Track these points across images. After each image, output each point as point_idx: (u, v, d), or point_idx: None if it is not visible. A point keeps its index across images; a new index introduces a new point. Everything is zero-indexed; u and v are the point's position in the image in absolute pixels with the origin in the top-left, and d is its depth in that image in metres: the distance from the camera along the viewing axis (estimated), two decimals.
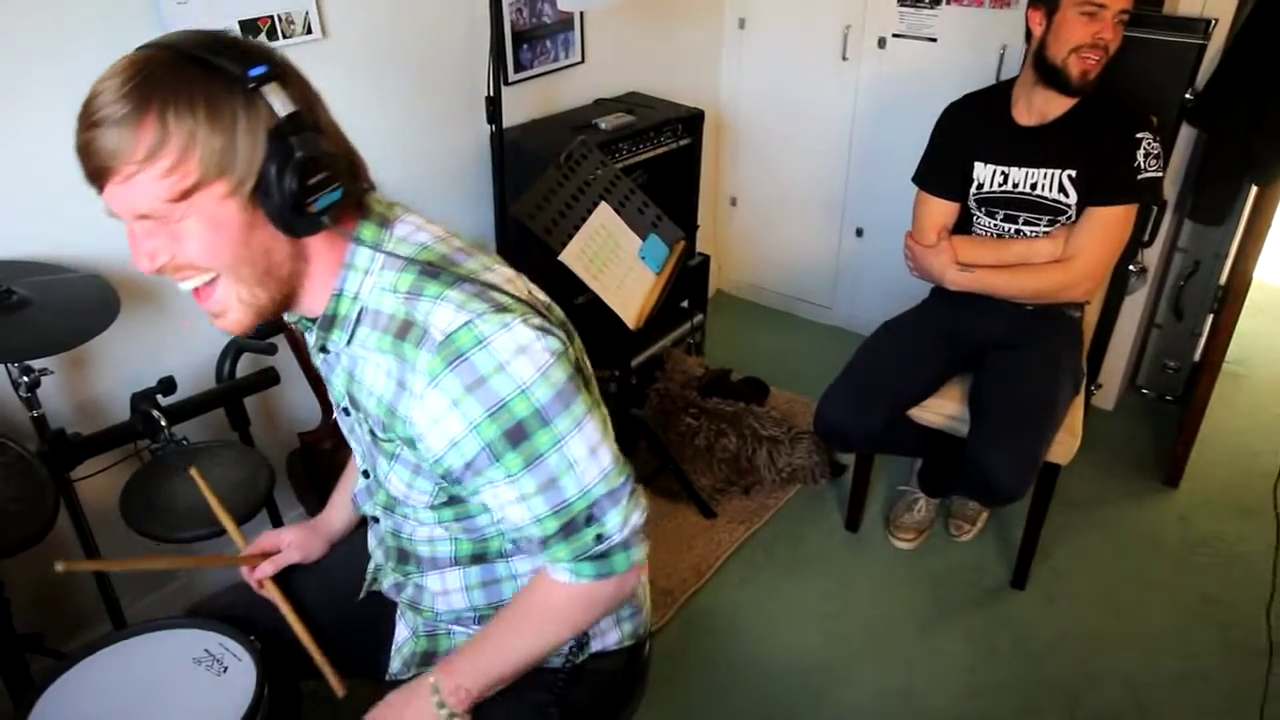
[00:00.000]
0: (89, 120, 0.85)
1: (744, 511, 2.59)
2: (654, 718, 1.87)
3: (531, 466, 0.96)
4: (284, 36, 1.95)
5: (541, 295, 1.07)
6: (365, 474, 1.20)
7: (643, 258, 2.13)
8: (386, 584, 1.28)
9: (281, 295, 0.98)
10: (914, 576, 2.40)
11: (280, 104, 0.87)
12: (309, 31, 1.99)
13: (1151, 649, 2.17)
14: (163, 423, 1.71)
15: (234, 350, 2.01)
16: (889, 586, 2.37)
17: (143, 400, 1.72)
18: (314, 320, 1.03)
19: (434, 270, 0.98)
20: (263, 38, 1.91)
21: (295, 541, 1.36)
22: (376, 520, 1.23)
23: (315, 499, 2.19)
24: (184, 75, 0.85)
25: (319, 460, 2.08)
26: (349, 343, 1.02)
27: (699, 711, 2.03)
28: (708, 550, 2.45)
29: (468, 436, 0.94)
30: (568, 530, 1.01)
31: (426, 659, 1.24)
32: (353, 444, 1.20)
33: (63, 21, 1.65)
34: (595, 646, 1.23)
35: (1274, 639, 2.06)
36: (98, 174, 0.87)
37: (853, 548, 2.50)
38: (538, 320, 0.97)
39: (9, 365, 1.61)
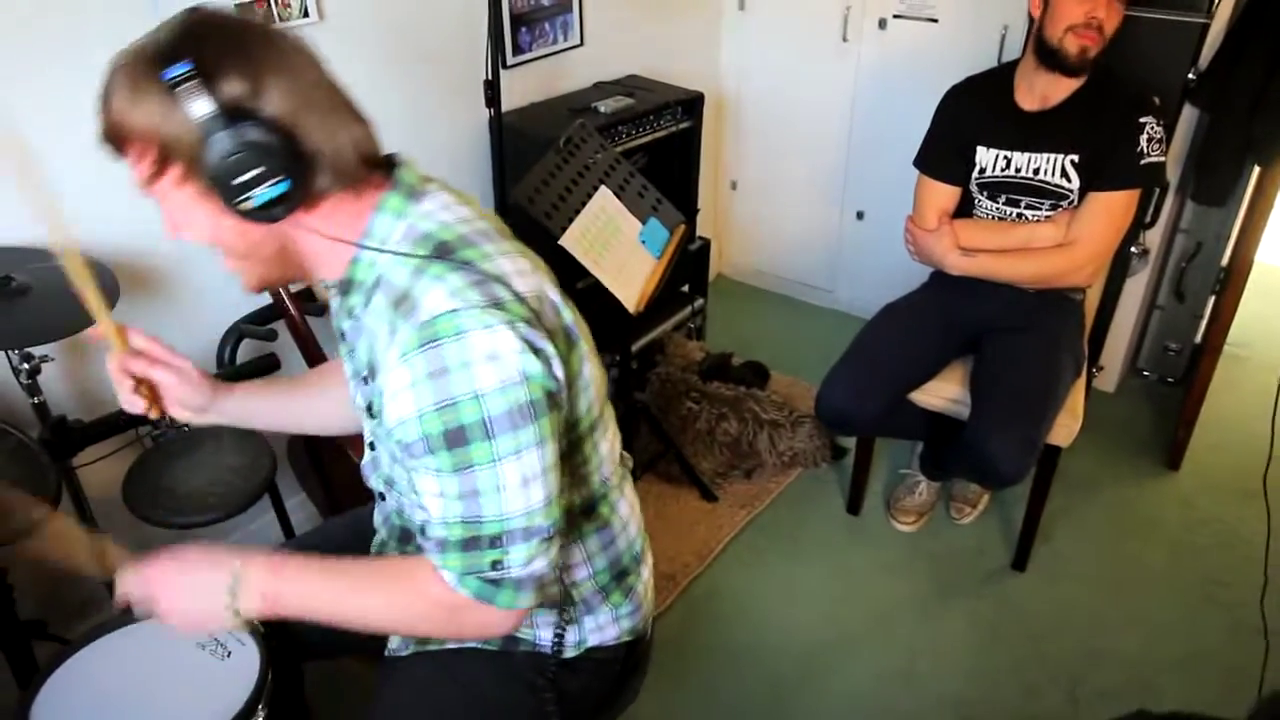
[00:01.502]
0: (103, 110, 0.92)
1: (745, 495, 2.60)
2: (656, 700, 1.88)
3: (459, 472, 0.94)
4: (280, 20, 1.94)
5: (554, 294, 1.03)
6: (371, 446, 1.18)
7: (643, 242, 2.12)
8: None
9: (289, 267, 1.00)
10: (915, 559, 2.40)
11: (201, 103, 0.86)
12: (305, 14, 1.98)
13: (1152, 630, 2.18)
14: None
15: (235, 336, 2.01)
16: (890, 569, 2.38)
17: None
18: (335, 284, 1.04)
19: (445, 249, 0.97)
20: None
21: (190, 378, 1.20)
22: (382, 497, 1.22)
23: (318, 485, 2.19)
24: (133, 67, 0.88)
25: (319, 445, 2.08)
26: (365, 306, 1.02)
27: (701, 694, 2.04)
28: (709, 534, 2.46)
29: (412, 420, 0.93)
30: (469, 545, 0.97)
31: (422, 646, 1.23)
32: (360, 415, 1.16)
33: (68, 12, 1.64)
34: (592, 641, 1.22)
35: (1269, 625, 2.06)
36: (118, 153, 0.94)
37: (854, 531, 2.50)
38: (528, 331, 0.93)
39: (9, 352, 1.61)
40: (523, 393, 0.92)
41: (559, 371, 0.97)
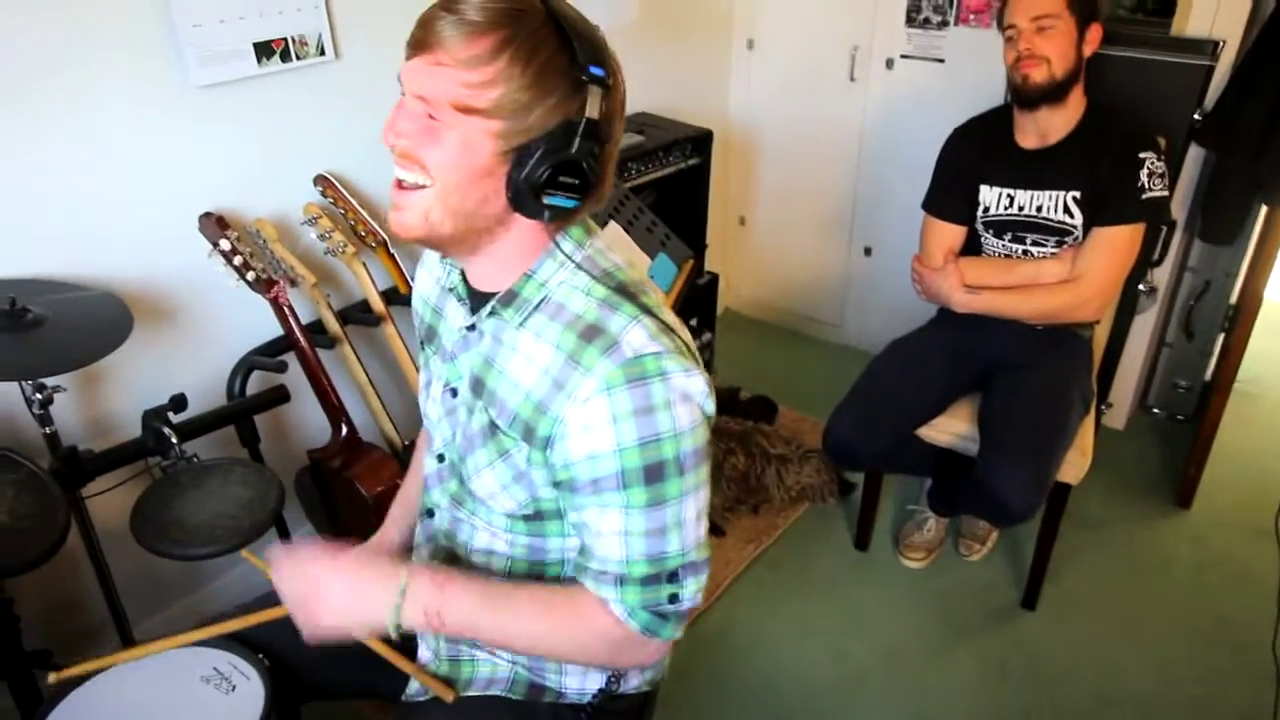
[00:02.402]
0: (448, 4, 0.91)
1: (753, 530, 2.58)
2: None
3: (651, 508, 0.98)
4: (297, 58, 1.98)
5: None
6: (440, 458, 1.17)
7: (651, 277, 2.13)
8: None
9: (460, 238, 1.00)
10: (924, 596, 2.38)
11: (592, 107, 0.93)
12: (322, 53, 2.02)
13: (1164, 671, 2.15)
14: (174, 440, 1.72)
15: (245, 368, 2.02)
16: (898, 606, 2.35)
17: (154, 417, 1.73)
18: (480, 294, 1.06)
19: (630, 293, 1.02)
20: (276, 60, 1.94)
21: None
22: (430, 515, 1.21)
23: (324, 516, 2.20)
24: (543, 31, 0.91)
25: (328, 478, 2.09)
26: (521, 324, 1.03)
27: None
28: (716, 569, 2.44)
29: (610, 455, 0.96)
30: (650, 580, 1.01)
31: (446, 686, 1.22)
32: (444, 427, 1.15)
33: (80, 44, 1.68)
34: (622, 688, 1.22)
35: None
36: (419, 44, 0.92)
37: (862, 567, 2.49)
38: (706, 377, 1.00)
39: (22, 383, 1.62)
40: (704, 433, 1.00)
41: (711, 410, 1.03)
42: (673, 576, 1.01)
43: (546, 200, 0.95)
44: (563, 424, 0.97)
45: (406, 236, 0.99)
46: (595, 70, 0.92)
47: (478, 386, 1.07)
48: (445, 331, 1.15)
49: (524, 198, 0.95)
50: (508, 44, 0.89)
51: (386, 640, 1.11)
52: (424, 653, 1.26)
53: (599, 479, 0.97)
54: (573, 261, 1.02)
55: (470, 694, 1.20)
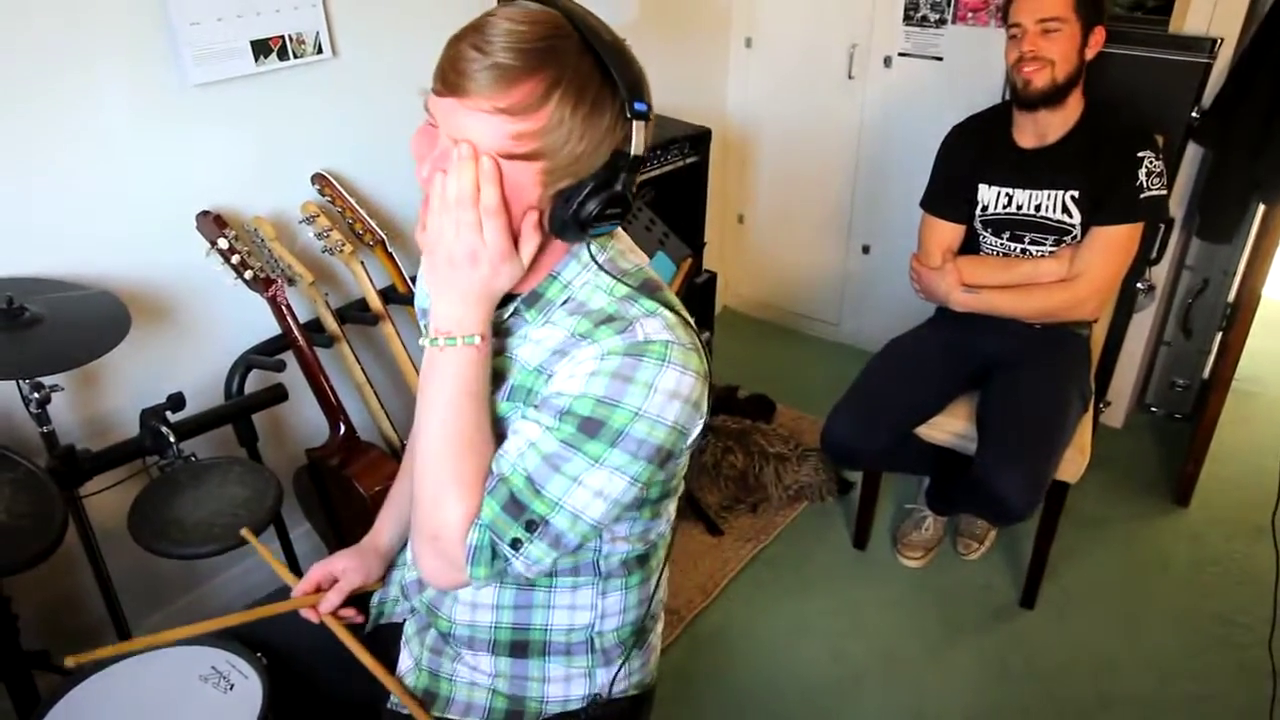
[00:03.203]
0: (478, 43, 0.87)
1: (751, 529, 2.58)
2: None
3: (564, 446, 0.96)
4: (295, 56, 1.97)
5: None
6: None
7: None
8: (409, 577, 1.26)
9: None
10: (922, 595, 2.39)
11: (637, 143, 0.92)
12: (319, 51, 2.01)
13: (1163, 669, 2.15)
14: (171, 439, 1.71)
15: (243, 367, 2.02)
16: (897, 605, 2.36)
17: (152, 416, 1.73)
18: (514, 294, 1.05)
19: (652, 288, 1.02)
20: (274, 58, 1.93)
21: (351, 566, 1.28)
22: None
23: (322, 515, 2.19)
24: (586, 66, 0.89)
25: (326, 477, 2.09)
26: (542, 323, 1.03)
27: None
28: (714, 568, 2.44)
29: (569, 395, 0.95)
30: (514, 506, 0.98)
31: (426, 699, 1.21)
32: None
33: (77, 42, 1.67)
34: (604, 694, 1.21)
35: (1278, 669, 2.04)
36: (451, 85, 0.89)
37: (860, 566, 2.49)
38: (704, 388, 0.99)
39: (20, 381, 1.62)
40: (663, 436, 0.96)
41: (694, 434, 1.01)
42: (531, 525, 0.98)
43: (592, 231, 0.95)
44: (554, 376, 0.99)
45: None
46: (640, 107, 0.91)
47: (494, 377, 1.07)
48: None
49: (569, 230, 0.95)
50: (554, 87, 0.87)
51: (370, 646, 1.11)
52: (405, 661, 1.25)
53: (548, 399, 0.98)
54: (596, 263, 1.02)
55: (457, 703, 1.19)
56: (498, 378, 1.06)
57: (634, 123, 0.91)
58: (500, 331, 1.07)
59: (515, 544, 0.99)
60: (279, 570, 1.33)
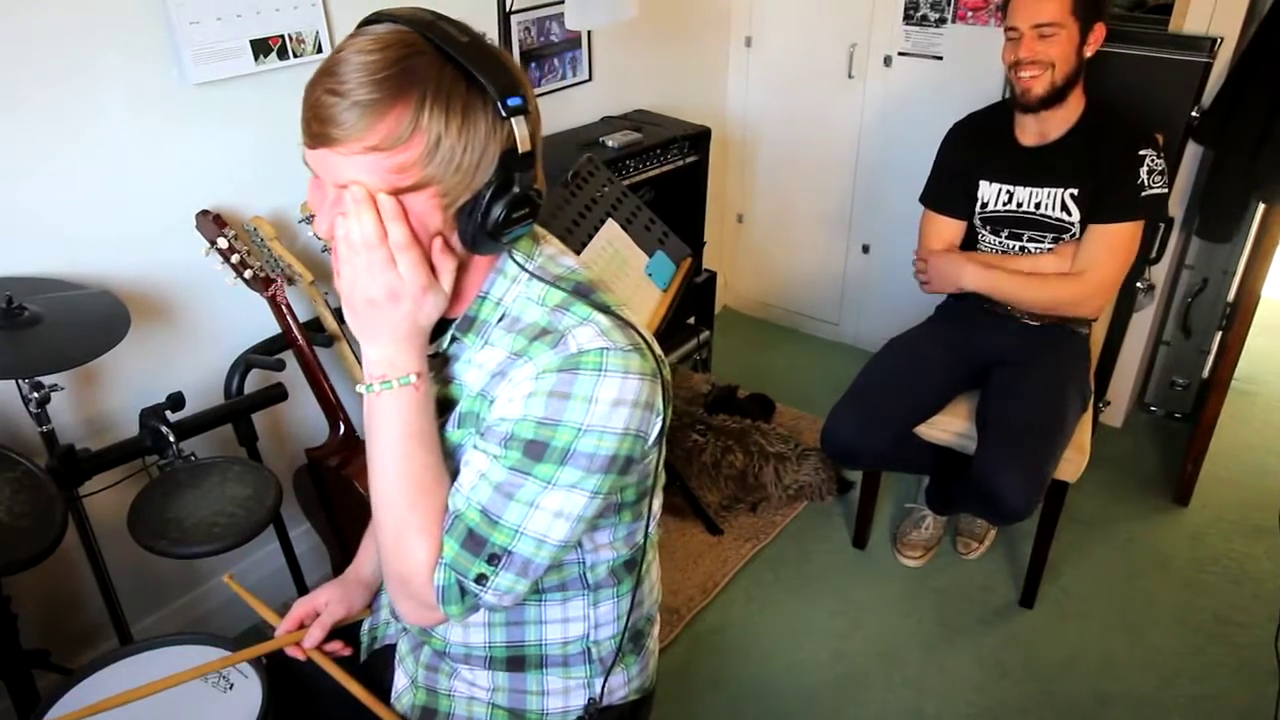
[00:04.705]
0: (332, 86, 0.84)
1: (751, 529, 2.58)
2: None
3: (513, 473, 0.94)
4: (294, 55, 1.97)
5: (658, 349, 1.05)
6: None
7: (649, 274, 2.13)
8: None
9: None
10: (922, 594, 2.39)
11: (522, 138, 0.88)
12: (319, 50, 2.01)
13: (1162, 670, 2.15)
14: (171, 438, 1.71)
15: (242, 366, 2.02)
16: (897, 605, 2.36)
17: (151, 416, 1.73)
18: (449, 320, 1.02)
19: (584, 292, 0.99)
20: (274, 57, 1.93)
21: (333, 598, 1.27)
22: None
23: (322, 515, 2.19)
24: (447, 78, 0.85)
25: (326, 476, 2.08)
26: (481, 346, 1.01)
27: None
28: (714, 568, 2.44)
29: (511, 420, 0.94)
30: (472, 542, 0.96)
31: (426, 716, 1.21)
32: None
33: (77, 42, 1.67)
34: (603, 702, 1.20)
35: None
36: (318, 136, 0.86)
37: (860, 565, 2.49)
38: (653, 390, 0.96)
39: (20, 381, 1.62)
40: (615, 445, 0.94)
41: (655, 433, 0.99)
42: (493, 559, 0.96)
43: (506, 238, 0.93)
44: (495, 401, 0.97)
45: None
46: (514, 101, 0.86)
47: (439, 405, 1.06)
48: None
49: (482, 243, 0.93)
50: (421, 108, 0.83)
51: (366, 672, 1.10)
52: (400, 679, 1.25)
53: (491, 426, 0.96)
54: (526, 272, 0.99)
55: (457, 716, 1.19)
56: (447, 405, 1.05)
57: (512, 120, 0.87)
58: (445, 360, 1.05)
59: (480, 579, 0.97)
60: (262, 611, 1.29)
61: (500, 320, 1.00)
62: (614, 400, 0.93)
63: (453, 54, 0.85)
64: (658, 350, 1.01)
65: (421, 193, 0.88)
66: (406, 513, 0.98)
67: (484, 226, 0.91)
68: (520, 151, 0.89)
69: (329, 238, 0.92)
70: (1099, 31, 2.00)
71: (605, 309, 0.97)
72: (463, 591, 0.99)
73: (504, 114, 0.86)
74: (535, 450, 0.93)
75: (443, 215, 0.90)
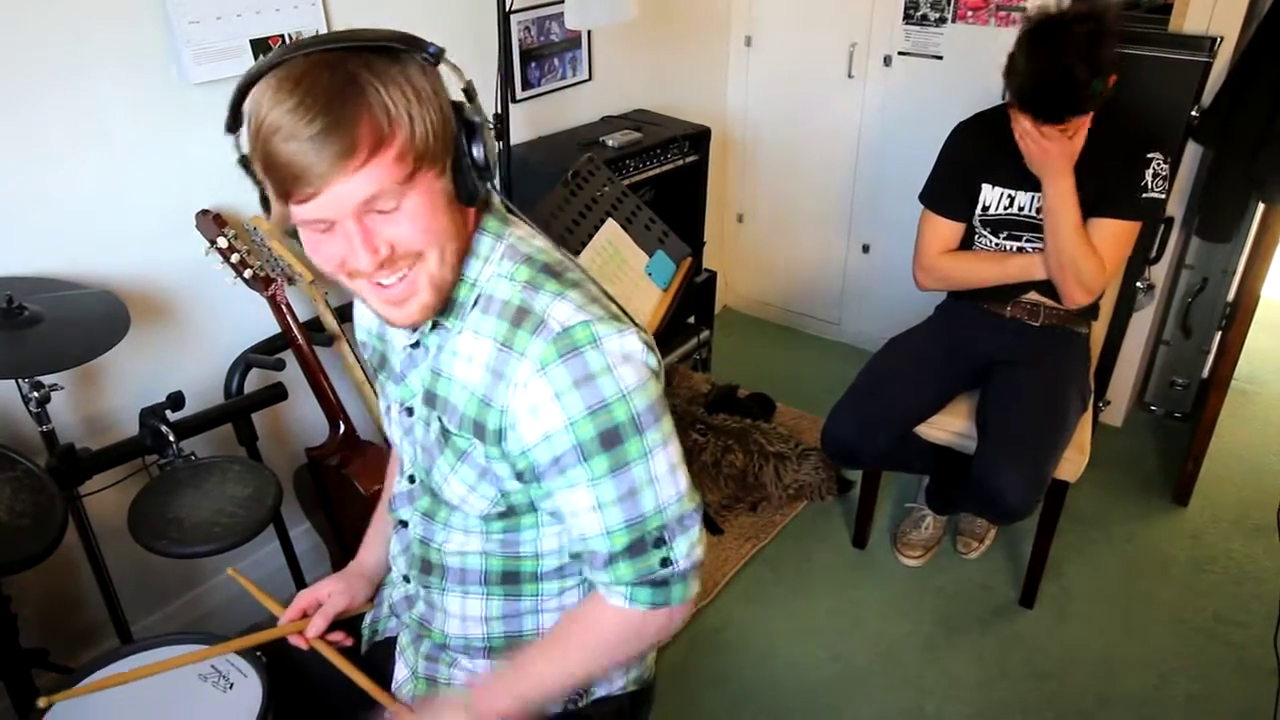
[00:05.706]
0: (291, 133, 0.83)
1: (751, 528, 2.58)
2: None
3: (616, 473, 0.97)
4: None
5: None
6: (411, 479, 1.17)
7: (649, 274, 2.13)
8: (397, 595, 1.27)
9: (456, 274, 0.99)
10: (921, 594, 2.39)
11: (456, 77, 0.92)
12: None
13: (1162, 669, 2.15)
14: (171, 438, 1.71)
15: (242, 366, 2.02)
16: (897, 604, 2.36)
17: (151, 415, 1.73)
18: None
19: (554, 270, 1.01)
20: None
21: (336, 590, 1.29)
22: (404, 525, 1.21)
23: (322, 514, 2.19)
24: (374, 63, 0.86)
25: (326, 476, 2.08)
26: (461, 329, 1.02)
27: None
28: (714, 567, 2.44)
29: (562, 431, 0.95)
30: (636, 549, 1.00)
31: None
32: (405, 447, 1.16)
33: (77, 41, 1.67)
34: (599, 692, 1.21)
35: None
36: (311, 182, 0.85)
37: (860, 565, 2.49)
38: (647, 337, 1.00)
39: (20, 381, 1.62)
40: (655, 388, 1.00)
41: (660, 371, 1.03)
42: (659, 541, 1.01)
43: (490, 172, 0.96)
44: (509, 413, 0.97)
45: (425, 317, 0.98)
46: (432, 49, 0.89)
47: (430, 399, 1.07)
48: (393, 354, 1.15)
49: (476, 187, 0.95)
50: (376, 94, 0.85)
51: (366, 665, 1.13)
52: (401, 671, 1.25)
53: (559, 457, 0.97)
54: (494, 254, 1.01)
55: None
56: (439, 403, 1.05)
57: (439, 67, 0.91)
58: (426, 350, 1.06)
59: (664, 563, 1.02)
60: (265, 601, 1.29)
61: (475, 303, 1.01)
62: (623, 356, 0.96)
63: (353, 45, 0.87)
64: (630, 310, 1.05)
65: (425, 171, 0.90)
66: (588, 662, 1.09)
67: (471, 169, 0.93)
68: (463, 87, 0.93)
69: (374, 270, 0.92)
70: (1110, 80, 1.94)
71: (577, 284, 1.00)
72: (664, 583, 1.03)
73: (432, 62, 0.90)
74: (611, 438, 0.96)
75: (446, 179, 0.93)
